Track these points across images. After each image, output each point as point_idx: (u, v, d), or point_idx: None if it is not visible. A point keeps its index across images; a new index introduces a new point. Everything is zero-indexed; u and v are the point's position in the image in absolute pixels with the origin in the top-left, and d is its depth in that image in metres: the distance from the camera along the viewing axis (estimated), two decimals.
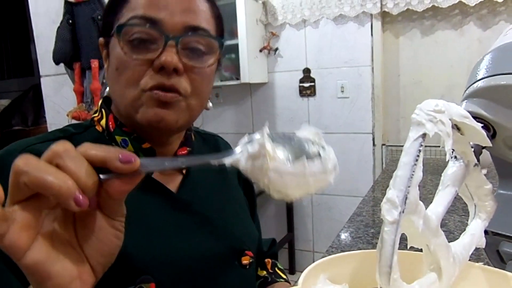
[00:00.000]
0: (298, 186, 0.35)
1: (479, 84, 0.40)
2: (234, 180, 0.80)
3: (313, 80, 2.86)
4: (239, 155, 0.35)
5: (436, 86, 2.63)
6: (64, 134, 0.62)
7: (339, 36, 2.74)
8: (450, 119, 0.34)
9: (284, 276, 0.83)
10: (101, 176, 0.32)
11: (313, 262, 0.41)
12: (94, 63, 1.51)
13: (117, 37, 0.57)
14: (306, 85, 2.88)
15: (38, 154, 0.54)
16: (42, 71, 1.69)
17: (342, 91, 2.78)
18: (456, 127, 0.36)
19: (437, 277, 0.36)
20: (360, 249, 1.13)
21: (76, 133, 0.63)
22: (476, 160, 0.38)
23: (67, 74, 1.61)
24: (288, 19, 2.83)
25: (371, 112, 2.73)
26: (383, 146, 2.76)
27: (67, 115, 1.53)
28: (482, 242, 0.41)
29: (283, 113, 3.01)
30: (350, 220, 1.35)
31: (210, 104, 0.69)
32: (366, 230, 1.25)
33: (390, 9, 2.53)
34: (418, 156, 0.33)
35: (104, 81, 1.55)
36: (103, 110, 0.65)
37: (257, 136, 0.35)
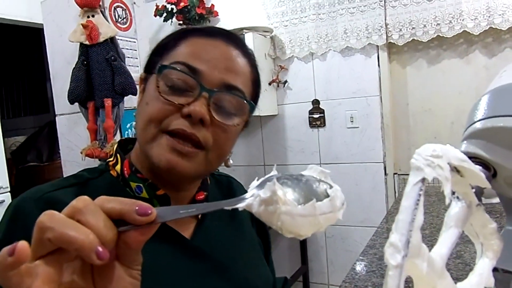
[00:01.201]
0: (310, 225, 0.37)
1: (477, 125, 0.41)
2: (247, 222, 0.80)
3: (322, 111, 2.89)
4: (252, 200, 0.36)
5: (446, 113, 2.63)
6: (79, 180, 0.63)
7: (346, 68, 2.78)
8: (448, 163, 0.35)
9: None
10: (120, 228, 0.33)
11: None
12: (108, 102, 1.55)
13: (156, 75, 0.59)
14: (316, 116, 2.91)
15: (54, 201, 0.56)
16: (57, 110, 1.74)
17: (352, 121, 2.80)
18: (456, 169, 0.37)
19: None
20: (374, 284, 1.11)
21: (91, 178, 0.64)
22: (477, 200, 0.39)
23: (81, 113, 1.66)
24: (296, 53, 2.89)
25: (381, 141, 2.73)
26: (395, 175, 2.74)
27: (81, 153, 1.56)
28: (490, 281, 0.41)
29: (293, 144, 3.03)
30: (364, 253, 1.33)
31: (231, 161, 0.70)
32: (380, 263, 1.23)
33: (396, 40, 2.57)
34: (418, 200, 0.34)
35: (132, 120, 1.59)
36: (118, 155, 0.66)
37: (268, 180, 0.37)
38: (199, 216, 0.68)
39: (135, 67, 1.71)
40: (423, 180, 0.34)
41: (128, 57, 1.67)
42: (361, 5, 2.64)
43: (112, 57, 1.57)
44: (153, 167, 0.60)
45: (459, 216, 0.37)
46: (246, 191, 0.90)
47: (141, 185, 0.63)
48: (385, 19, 2.57)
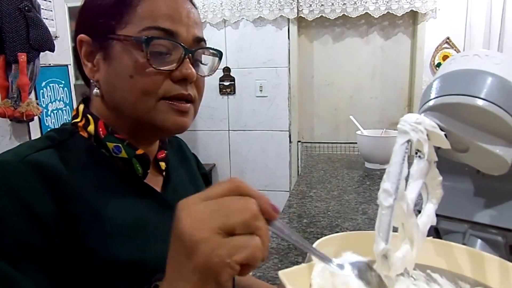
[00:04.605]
0: None
1: (433, 102, 0.53)
2: (197, 171, 0.86)
3: (233, 79, 2.96)
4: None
5: (346, 87, 2.90)
6: (52, 142, 0.60)
7: (258, 38, 2.87)
8: (425, 128, 0.45)
9: None
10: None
11: None
12: (22, 57, 1.42)
13: (144, 47, 0.58)
14: (226, 83, 2.97)
15: (39, 164, 0.56)
16: None
17: (261, 90, 2.93)
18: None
19: (410, 248, 0.48)
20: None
21: (64, 140, 0.62)
22: (436, 158, 0.50)
23: None
24: (209, 19, 2.88)
25: (287, 110, 2.91)
26: (299, 143, 2.97)
27: None
28: (434, 221, 0.53)
29: (203, 110, 3.06)
30: (283, 212, 1.47)
31: None
32: (300, 220, 1.38)
33: (306, 15, 2.73)
34: (404, 156, 0.44)
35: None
36: (88, 116, 0.65)
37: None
38: (164, 173, 0.72)
39: (50, 20, 1.58)
40: (408, 141, 0.44)
41: (43, 9, 1.54)
42: None
43: (26, 8, 1.43)
44: (157, 130, 0.62)
45: (423, 170, 0.49)
46: (191, 151, 0.93)
47: (119, 145, 0.63)
48: None
